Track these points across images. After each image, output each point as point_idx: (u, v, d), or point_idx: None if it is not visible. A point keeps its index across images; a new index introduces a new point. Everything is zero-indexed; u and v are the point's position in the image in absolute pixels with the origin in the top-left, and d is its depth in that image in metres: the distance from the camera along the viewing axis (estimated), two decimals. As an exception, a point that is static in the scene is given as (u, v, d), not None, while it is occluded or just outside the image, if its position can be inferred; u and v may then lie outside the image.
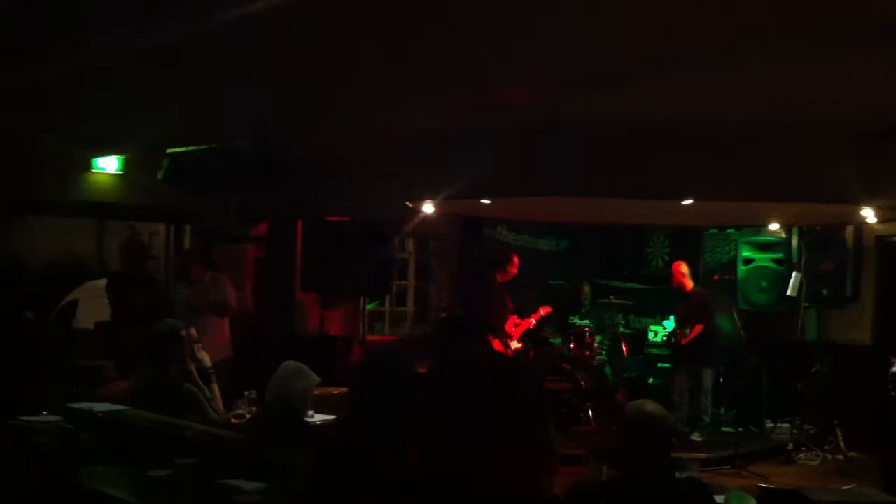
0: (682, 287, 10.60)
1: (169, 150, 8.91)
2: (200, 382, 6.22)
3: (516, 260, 10.73)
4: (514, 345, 10.53)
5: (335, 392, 6.88)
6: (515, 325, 10.61)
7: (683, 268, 10.65)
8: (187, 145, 8.71)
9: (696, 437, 10.19)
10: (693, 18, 4.46)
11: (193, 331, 6.68)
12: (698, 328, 10.38)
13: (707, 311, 10.50)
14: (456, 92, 6.21)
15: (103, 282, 8.57)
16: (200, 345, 6.84)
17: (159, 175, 9.15)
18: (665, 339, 11.32)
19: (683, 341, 10.49)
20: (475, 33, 4.79)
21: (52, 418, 5.34)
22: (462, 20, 4.55)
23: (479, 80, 5.83)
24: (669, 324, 11.21)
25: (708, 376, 10.47)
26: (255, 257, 10.79)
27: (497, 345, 10.31)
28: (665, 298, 11.12)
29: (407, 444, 3.55)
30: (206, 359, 6.89)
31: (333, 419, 5.70)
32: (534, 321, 10.73)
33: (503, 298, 10.59)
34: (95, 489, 4.30)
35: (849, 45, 4.85)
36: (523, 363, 9.96)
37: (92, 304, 8.76)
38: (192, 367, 6.27)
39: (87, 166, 9.42)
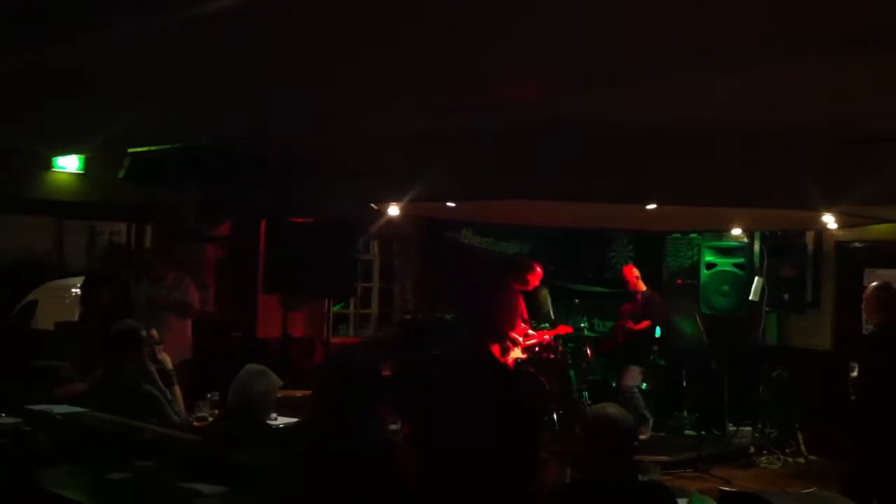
0: (636, 289, 10.82)
1: (131, 150, 8.83)
2: (161, 384, 6.17)
3: (539, 270, 10.47)
4: (517, 354, 10.34)
5: (298, 394, 6.85)
6: (525, 335, 10.40)
7: (635, 270, 10.89)
8: (150, 144, 8.63)
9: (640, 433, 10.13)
10: (654, 23, 4.47)
11: (154, 332, 6.62)
12: (646, 323, 10.61)
13: (654, 310, 10.72)
14: (431, 92, 6.19)
15: (64, 281, 8.52)
16: (161, 346, 6.78)
17: (121, 174, 9.07)
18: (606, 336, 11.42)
19: (636, 326, 10.66)
20: (449, 32, 4.78)
21: (10, 420, 5.27)
22: (439, 18, 4.53)
23: (453, 80, 5.81)
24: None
25: (633, 374, 10.60)
26: (217, 257, 10.71)
27: (496, 350, 10.13)
28: (629, 302, 11.15)
29: (375, 444, 3.54)
30: (168, 360, 6.83)
31: (297, 421, 5.68)
32: (547, 337, 10.62)
33: (514, 306, 10.29)
34: (54, 492, 4.24)
35: (813, 52, 4.89)
36: (523, 368, 9.91)
37: (52, 305, 8.68)
38: (153, 368, 6.22)
39: (48, 165, 9.30)
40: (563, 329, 10.80)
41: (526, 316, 10.53)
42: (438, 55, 5.19)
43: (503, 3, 4.26)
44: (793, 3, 4.11)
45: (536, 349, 10.72)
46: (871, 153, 7.08)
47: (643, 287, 10.82)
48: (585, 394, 10.79)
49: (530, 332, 10.48)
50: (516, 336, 10.20)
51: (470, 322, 10.96)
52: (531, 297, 11.18)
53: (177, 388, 6.61)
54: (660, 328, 11.42)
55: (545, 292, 11.40)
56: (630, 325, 10.77)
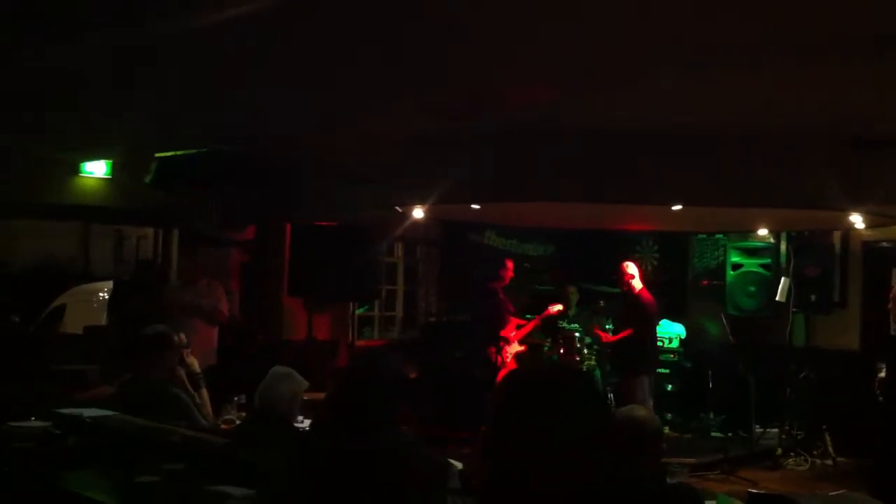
0: (630, 289, 10.09)
1: (157, 154, 8.89)
2: (190, 388, 6.19)
3: (510, 264, 10.81)
4: (515, 348, 10.55)
5: (322, 397, 6.84)
6: (518, 327, 10.66)
7: (631, 268, 10.16)
8: (175, 149, 8.68)
9: None
10: (680, 24, 4.48)
11: (182, 336, 6.64)
12: (626, 332, 10.00)
13: (640, 315, 10.04)
14: (448, 94, 6.21)
15: (91, 286, 8.57)
16: (189, 350, 6.80)
17: (147, 179, 9.12)
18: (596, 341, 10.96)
19: (606, 338, 10.28)
20: (460, 36, 4.79)
21: (40, 423, 5.30)
22: (452, 22, 4.55)
23: (470, 81, 5.82)
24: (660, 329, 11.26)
25: (643, 384, 9.97)
26: (242, 261, 10.76)
27: (492, 352, 10.34)
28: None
29: (395, 445, 3.54)
30: (196, 364, 6.86)
31: (312, 422, 5.69)
32: (538, 322, 10.74)
33: (499, 305, 10.63)
34: (83, 494, 4.27)
35: (835, 54, 4.88)
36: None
37: (80, 309, 8.73)
38: (182, 372, 6.24)
39: (76, 170, 9.38)
40: (554, 308, 10.84)
41: (512, 309, 10.76)
42: (432, 58, 5.23)
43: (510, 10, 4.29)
44: (812, 8, 4.12)
45: (561, 350, 10.73)
46: (892, 153, 7.04)
47: (637, 287, 10.11)
48: (611, 395, 10.76)
49: (520, 321, 10.75)
50: (507, 335, 10.52)
51: (474, 326, 11.24)
52: (560, 298, 11.19)
53: (204, 392, 6.63)
54: (686, 329, 11.38)
55: (573, 290, 11.40)
56: (604, 337, 10.36)
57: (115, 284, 8.65)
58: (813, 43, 4.70)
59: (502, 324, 10.58)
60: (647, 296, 10.18)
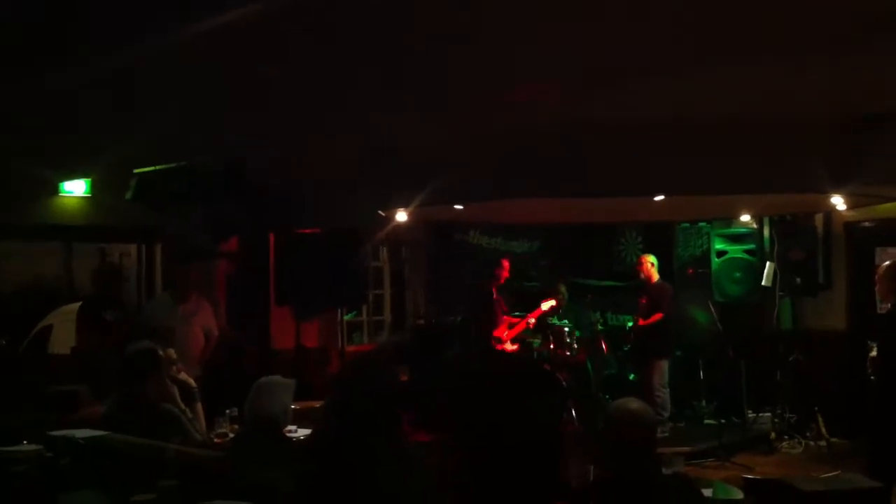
0: (648, 279, 10.76)
1: (136, 170, 8.83)
2: (181, 403, 6.17)
3: (505, 263, 11.00)
4: (508, 346, 10.63)
5: (316, 405, 6.84)
6: (510, 326, 10.78)
7: (650, 259, 10.83)
8: (155, 164, 8.63)
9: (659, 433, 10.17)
10: (666, 17, 4.48)
11: (172, 351, 6.62)
12: (657, 316, 10.52)
13: (665, 301, 10.63)
14: (448, 101, 6.20)
15: (77, 305, 8.48)
16: (180, 365, 6.78)
17: (127, 195, 9.06)
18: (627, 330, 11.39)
19: (641, 322, 10.66)
20: (439, 41, 4.79)
21: (31, 447, 5.26)
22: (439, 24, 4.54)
23: (469, 85, 5.82)
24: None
25: (663, 368, 10.54)
26: (227, 273, 10.70)
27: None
28: (643, 294, 11.11)
29: (395, 449, 3.53)
30: (190, 379, 6.83)
31: (311, 432, 5.67)
32: (532, 320, 10.80)
33: (492, 305, 10.74)
34: (79, 516, 4.24)
35: (816, 42, 4.90)
36: (542, 366, 10.11)
37: (66, 329, 8.66)
38: (174, 388, 6.22)
39: (55, 190, 9.31)
40: (545, 304, 10.93)
41: (505, 308, 10.90)
42: (440, 59, 5.21)
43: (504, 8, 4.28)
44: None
45: (552, 346, 10.75)
46: (876, 133, 7.06)
47: (656, 277, 10.78)
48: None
49: (513, 320, 10.86)
50: (500, 335, 10.65)
51: (465, 327, 11.30)
52: (549, 295, 11.22)
53: (198, 405, 6.61)
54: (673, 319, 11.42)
55: (563, 287, 11.43)
56: (640, 322, 10.77)
57: (84, 300, 8.49)
58: (795, 31, 4.72)
59: (496, 323, 10.69)
60: (667, 285, 10.83)
